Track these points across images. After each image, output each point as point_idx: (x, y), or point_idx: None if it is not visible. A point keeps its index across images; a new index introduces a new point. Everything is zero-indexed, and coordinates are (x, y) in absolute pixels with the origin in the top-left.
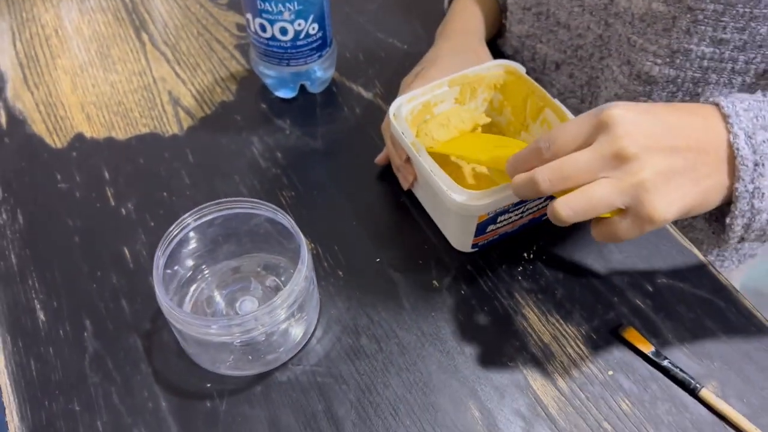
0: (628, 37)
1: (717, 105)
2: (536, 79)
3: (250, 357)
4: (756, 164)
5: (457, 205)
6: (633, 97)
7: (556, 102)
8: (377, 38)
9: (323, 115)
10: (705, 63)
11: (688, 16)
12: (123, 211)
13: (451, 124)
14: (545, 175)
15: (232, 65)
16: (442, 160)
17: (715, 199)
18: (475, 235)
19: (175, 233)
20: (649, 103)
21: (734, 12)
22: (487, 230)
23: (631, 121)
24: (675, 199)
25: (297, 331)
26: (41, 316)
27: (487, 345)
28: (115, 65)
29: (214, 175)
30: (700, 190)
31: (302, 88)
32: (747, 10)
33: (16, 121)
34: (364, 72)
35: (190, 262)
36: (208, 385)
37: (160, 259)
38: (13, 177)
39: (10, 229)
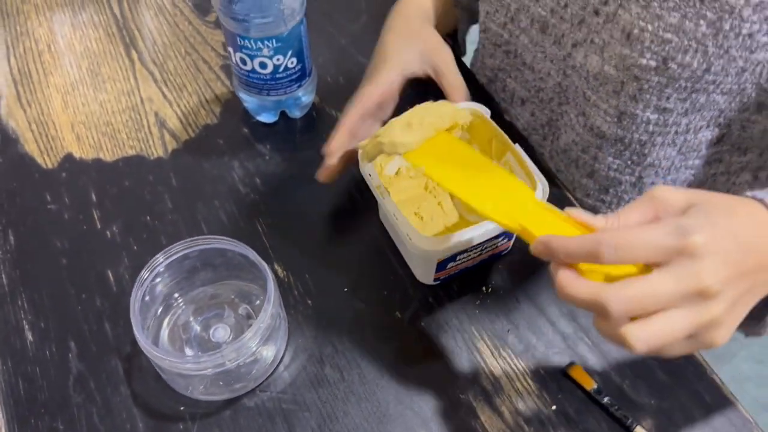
0: (584, 91)
1: (762, 202)
2: (505, 110)
3: (221, 383)
4: None
5: (418, 249)
6: (586, 146)
7: (516, 147)
8: (358, 62)
9: (303, 140)
10: (650, 128)
11: (635, 84)
12: (108, 233)
13: (424, 121)
14: (619, 306)
15: (217, 87)
16: (411, 196)
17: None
18: (437, 271)
19: (147, 276)
20: (727, 212)
21: (677, 85)
22: (448, 266)
23: (716, 252)
24: (736, 323)
25: (265, 359)
26: (29, 336)
27: (442, 377)
28: (104, 84)
29: (196, 200)
30: (755, 301)
31: (283, 112)
32: (689, 84)
33: (9, 139)
34: (345, 96)
35: (166, 291)
36: (182, 408)
37: (136, 300)
38: (5, 197)
39: (2, 249)
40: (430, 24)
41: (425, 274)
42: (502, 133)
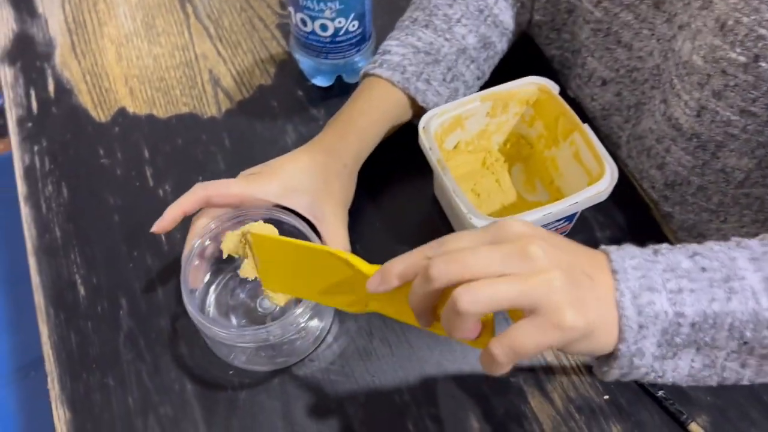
0: (672, 78)
1: (607, 256)
2: (578, 87)
3: (263, 354)
4: (641, 326)
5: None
6: (661, 136)
7: (585, 128)
8: None
9: None
10: (729, 129)
11: (721, 79)
12: (160, 192)
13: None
14: (439, 266)
15: (273, 46)
16: (468, 171)
17: (605, 338)
18: None
19: (197, 241)
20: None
21: (765, 89)
22: None
23: (532, 231)
24: (581, 309)
25: (310, 334)
26: (82, 291)
27: None
28: (159, 37)
29: (249, 162)
30: (599, 314)
31: (339, 76)
32: None
33: (63, 90)
34: None
35: (217, 256)
36: (230, 372)
37: (188, 263)
38: (59, 149)
39: (56, 201)
40: (348, 176)
41: None
42: (571, 111)
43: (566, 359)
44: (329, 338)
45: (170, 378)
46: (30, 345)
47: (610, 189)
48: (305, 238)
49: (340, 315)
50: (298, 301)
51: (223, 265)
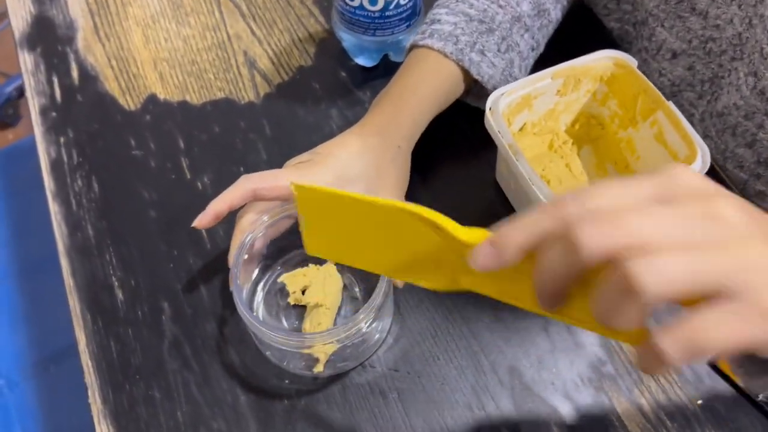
0: (762, 47)
1: None
2: (643, 62)
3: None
4: None
5: None
6: (751, 112)
7: (671, 105)
8: None
9: None
10: None
11: None
12: (199, 185)
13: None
14: (593, 231)
15: (311, 24)
16: (535, 155)
17: None
18: None
19: (249, 237)
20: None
21: None
22: None
23: (715, 187)
24: None
25: (371, 337)
26: (119, 294)
27: (572, 362)
28: (187, 17)
29: (292, 151)
30: None
31: (385, 55)
32: None
33: (88, 76)
34: None
35: (264, 251)
36: (286, 381)
37: (237, 264)
38: (86, 140)
39: (86, 197)
40: (405, 155)
41: None
42: (654, 87)
43: None
44: (390, 339)
45: (222, 389)
46: (47, 338)
47: (703, 173)
48: None
49: (400, 314)
50: (352, 299)
51: (270, 261)
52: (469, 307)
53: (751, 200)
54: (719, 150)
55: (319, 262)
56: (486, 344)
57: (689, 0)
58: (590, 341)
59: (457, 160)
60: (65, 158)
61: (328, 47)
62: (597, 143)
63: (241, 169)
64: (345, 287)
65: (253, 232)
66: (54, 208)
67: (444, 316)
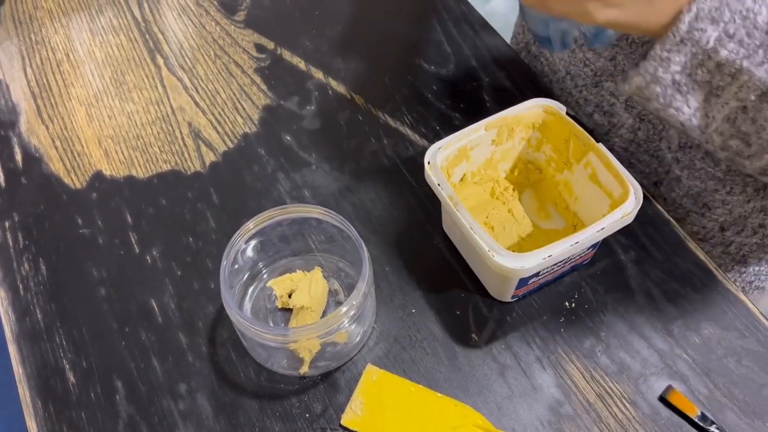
0: None
1: None
2: (572, 51)
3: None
4: (682, 40)
5: (500, 268)
6: None
7: (601, 147)
8: (406, 59)
9: (350, 146)
10: None
11: None
12: (148, 259)
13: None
14: None
15: (253, 92)
16: (478, 203)
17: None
18: (516, 288)
19: (238, 241)
20: None
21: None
22: (529, 282)
23: None
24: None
25: (352, 338)
26: (71, 377)
27: (531, 406)
28: (131, 93)
29: (241, 217)
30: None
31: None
32: None
33: (32, 158)
34: (390, 98)
35: (254, 258)
36: None
37: (225, 268)
38: (32, 222)
39: (34, 281)
40: None
41: (502, 292)
42: (583, 131)
43: (609, 397)
44: (371, 342)
45: None
46: None
47: (636, 210)
48: (353, 240)
49: (380, 319)
50: (337, 304)
51: (258, 268)
52: (426, 359)
53: (671, 187)
54: (657, 131)
55: (306, 268)
56: (445, 394)
57: None
58: (547, 383)
59: (406, 213)
60: (11, 242)
61: (271, 113)
62: (537, 187)
63: (190, 239)
64: (330, 292)
65: (241, 238)
66: (0, 294)
67: (403, 370)
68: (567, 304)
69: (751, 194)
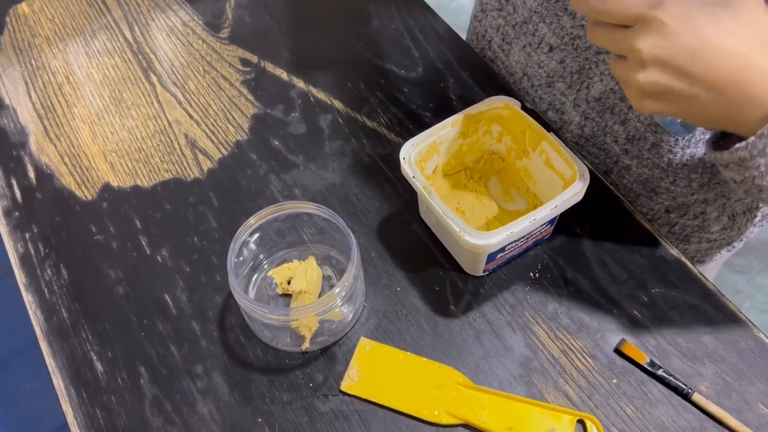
0: None
1: None
2: (528, 55)
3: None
4: None
5: (470, 245)
6: (623, 96)
7: (552, 136)
8: (378, 65)
9: (333, 147)
10: None
11: None
12: (159, 258)
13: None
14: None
15: (242, 103)
16: (449, 191)
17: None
18: (486, 263)
19: (242, 235)
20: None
21: None
22: (497, 257)
23: (670, 29)
24: (658, 108)
25: (346, 316)
26: (99, 366)
27: (504, 363)
28: (129, 110)
29: (239, 216)
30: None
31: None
32: None
33: (44, 175)
34: (366, 101)
35: (255, 251)
36: (259, 420)
37: (232, 259)
38: (50, 233)
39: (57, 284)
40: None
41: (474, 267)
42: (536, 122)
43: (572, 352)
44: (362, 318)
45: None
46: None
47: (584, 189)
48: (341, 230)
49: (369, 298)
50: (331, 287)
51: (259, 261)
52: (412, 330)
53: (621, 175)
54: (600, 128)
55: (301, 258)
56: (430, 358)
57: (563, 0)
58: (517, 343)
59: (387, 204)
60: (32, 252)
61: (259, 120)
62: (501, 174)
63: (195, 239)
64: (324, 278)
65: (244, 233)
66: (28, 298)
67: (392, 340)
68: (531, 274)
69: (695, 188)
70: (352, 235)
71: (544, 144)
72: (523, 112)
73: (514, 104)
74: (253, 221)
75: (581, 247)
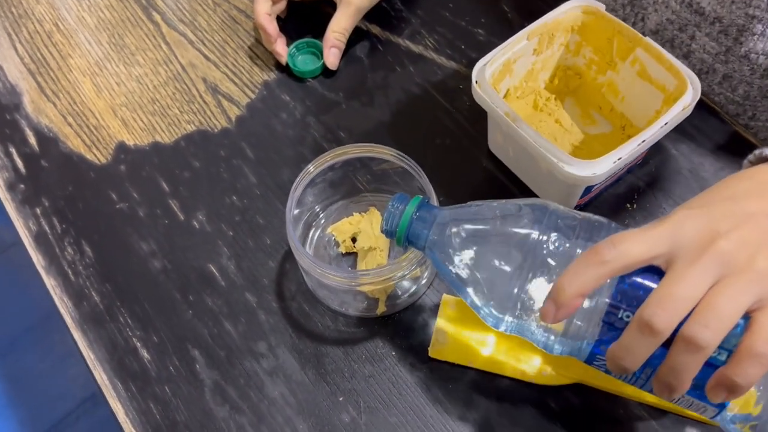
0: None
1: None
2: None
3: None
4: None
5: (572, 177)
6: (684, 24)
7: (649, 41)
8: None
9: (375, 79)
10: (751, 11)
11: None
12: (195, 224)
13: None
14: (659, 313)
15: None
16: (524, 117)
17: None
18: (579, 198)
19: (300, 185)
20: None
21: None
22: (593, 189)
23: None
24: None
25: (413, 284)
26: (145, 354)
27: None
28: (134, 56)
29: (281, 167)
30: None
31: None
32: None
33: (46, 139)
34: (407, 22)
35: (310, 204)
36: (341, 399)
37: (291, 211)
38: (64, 205)
39: (81, 264)
40: None
41: (566, 203)
42: (628, 27)
43: None
44: (436, 282)
45: (278, 423)
46: (40, 415)
47: (695, 101)
48: (415, 178)
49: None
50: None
51: (314, 216)
52: None
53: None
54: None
55: (360, 210)
56: None
57: None
58: None
59: (449, 139)
60: (47, 229)
61: None
62: (577, 93)
63: (234, 198)
64: None
65: (299, 183)
66: (50, 282)
67: None
68: (629, 205)
69: None
70: (430, 184)
71: (638, 52)
72: (610, 15)
73: (598, 6)
74: (312, 168)
75: (678, 167)
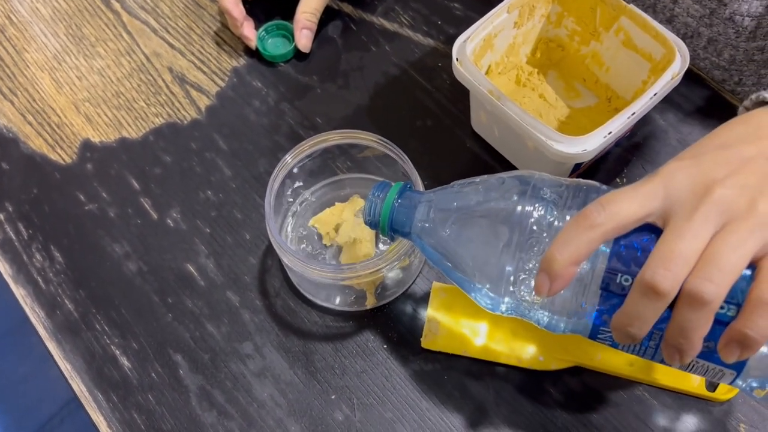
0: None
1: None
2: None
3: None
4: None
5: (561, 155)
6: None
7: (634, 8)
8: None
9: (350, 60)
10: None
11: None
12: (169, 222)
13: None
14: (662, 272)
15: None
16: (507, 93)
17: None
18: (569, 174)
19: (278, 177)
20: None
21: None
22: (582, 165)
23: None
24: None
25: (402, 274)
26: (125, 362)
27: None
28: (95, 48)
29: (256, 158)
30: None
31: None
32: None
33: (5, 140)
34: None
35: (289, 195)
36: (333, 396)
37: (270, 203)
38: (29, 209)
39: (52, 270)
40: None
41: None
42: None
43: None
44: (425, 270)
45: (269, 426)
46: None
47: (684, 70)
48: (389, 159)
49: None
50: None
51: (297, 201)
52: None
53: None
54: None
55: (344, 200)
56: None
57: None
58: None
59: (430, 120)
60: (12, 235)
61: None
62: (560, 66)
63: (209, 192)
64: None
65: (277, 175)
66: (19, 292)
67: None
68: (618, 180)
69: (766, 85)
70: (416, 171)
71: (622, 20)
72: None
73: None
74: (290, 159)
75: (667, 138)
